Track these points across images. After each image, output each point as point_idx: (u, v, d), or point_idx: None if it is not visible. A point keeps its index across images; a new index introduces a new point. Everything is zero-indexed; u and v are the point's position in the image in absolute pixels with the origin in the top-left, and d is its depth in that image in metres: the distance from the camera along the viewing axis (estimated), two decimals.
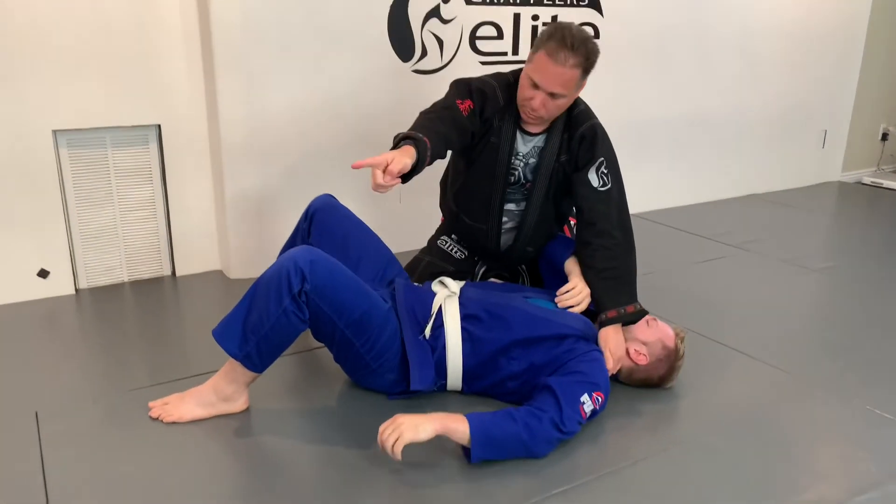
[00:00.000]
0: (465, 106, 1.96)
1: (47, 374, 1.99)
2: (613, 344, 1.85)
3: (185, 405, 1.73)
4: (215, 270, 2.80)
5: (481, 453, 1.56)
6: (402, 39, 2.82)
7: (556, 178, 2.08)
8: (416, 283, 2.04)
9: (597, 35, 3.31)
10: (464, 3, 2.92)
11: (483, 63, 3.04)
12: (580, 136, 2.03)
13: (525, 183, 2.11)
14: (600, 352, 1.82)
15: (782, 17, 3.97)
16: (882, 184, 4.55)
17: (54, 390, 1.89)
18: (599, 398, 1.70)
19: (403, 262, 2.24)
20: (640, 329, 1.90)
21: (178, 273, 2.75)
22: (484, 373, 1.79)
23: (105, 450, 1.64)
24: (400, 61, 2.84)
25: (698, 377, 2.02)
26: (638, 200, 3.71)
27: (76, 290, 2.57)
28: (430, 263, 2.28)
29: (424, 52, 2.89)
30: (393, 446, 1.50)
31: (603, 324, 1.88)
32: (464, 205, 2.22)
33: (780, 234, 3.44)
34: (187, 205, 2.69)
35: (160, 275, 2.73)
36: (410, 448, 1.53)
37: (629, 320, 1.89)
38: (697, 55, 3.71)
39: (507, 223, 2.18)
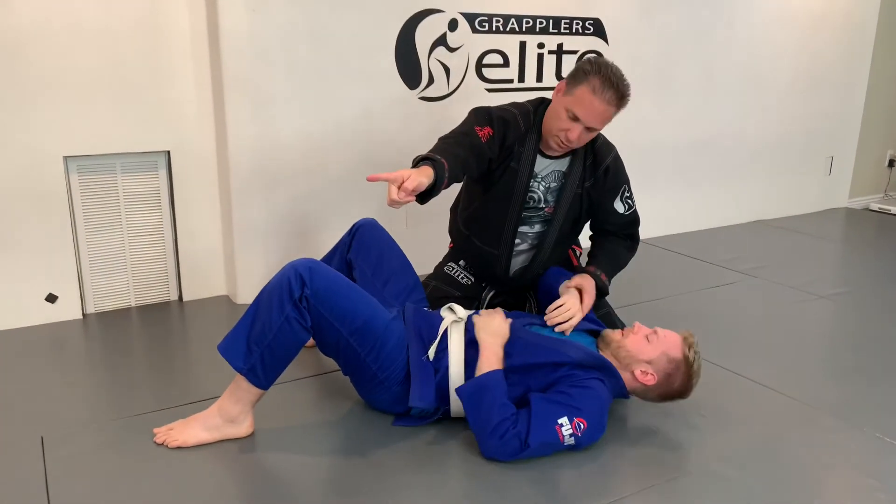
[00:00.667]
0: (483, 132, 2.01)
1: (54, 398, 1.99)
2: (578, 283, 2.02)
3: (190, 430, 1.73)
4: (222, 295, 2.81)
5: (468, 389, 1.72)
6: (409, 67, 2.86)
7: (577, 203, 2.15)
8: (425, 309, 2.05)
9: None
10: (470, 31, 2.96)
11: (489, 90, 3.07)
12: (606, 167, 2.13)
13: (545, 206, 2.14)
14: (599, 380, 1.77)
15: (788, 44, 4.00)
16: (890, 210, 4.54)
17: (60, 415, 1.89)
18: (581, 424, 1.66)
19: None
20: (640, 347, 1.83)
21: (185, 298, 2.75)
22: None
23: (110, 474, 1.63)
24: (407, 88, 2.88)
25: (706, 404, 2.00)
26: (645, 227, 3.69)
27: (84, 314, 2.58)
28: (436, 288, 2.29)
29: (431, 80, 2.92)
30: (474, 318, 1.83)
31: (583, 272, 2.08)
32: (476, 228, 2.23)
33: (788, 260, 3.43)
34: (195, 230, 2.71)
35: (167, 299, 2.74)
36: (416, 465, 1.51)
37: (598, 284, 2.05)
38: (703, 82, 3.74)
39: (521, 245, 2.19)
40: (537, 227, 2.17)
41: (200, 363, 2.21)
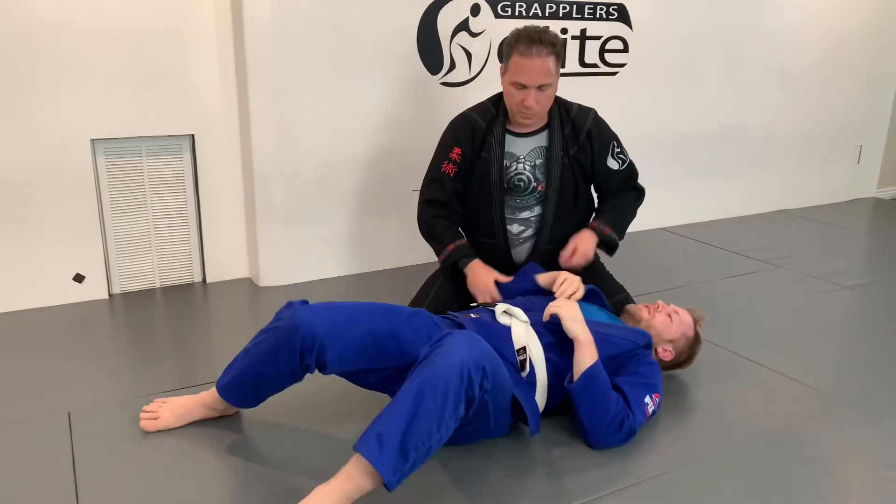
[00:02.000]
0: (449, 167, 2.15)
1: (80, 375, 2.04)
2: (585, 243, 2.13)
3: None
4: (244, 278, 2.85)
5: (579, 386, 1.67)
6: (430, 52, 2.86)
7: (569, 173, 2.17)
8: (458, 314, 1.86)
9: (626, 48, 3.31)
10: (493, 16, 2.94)
11: None
12: (587, 131, 2.17)
13: (536, 185, 2.16)
14: (654, 362, 1.85)
15: (815, 30, 3.92)
16: None
17: (87, 391, 1.94)
18: (657, 399, 1.78)
19: (422, 278, 2.26)
20: (666, 326, 1.94)
21: (208, 280, 2.80)
22: (559, 394, 1.77)
23: (134, 450, 1.67)
24: (428, 74, 2.88)
25: (726, 393, 2.00)
26: (668, 215, 3.70)
27: (110, 294, 2.64)
28: (445, 283, 2.23)
29: (453, 65, 2.92)
30: (551, 307, 1.78)
31: (588, 228, 2.17)
32: (473, 225, 2.25)
33: (813, 250, 3.39)
34: (218, 213, 2.75)
35: (191, 281, 2.79)
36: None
37: (604, 240, 2.16)
38: (728, 69, 3.69)
39: (524, 231, 2.20)
40: (536, 210, 2.19)
41: (223, 344, 2.25)
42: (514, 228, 2.19)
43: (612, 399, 1.68)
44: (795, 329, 2.49)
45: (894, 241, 3.69)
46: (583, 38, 3.19)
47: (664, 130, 3.57)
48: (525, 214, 2.18)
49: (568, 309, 1.77)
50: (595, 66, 3.27)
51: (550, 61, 1.99)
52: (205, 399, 1.74)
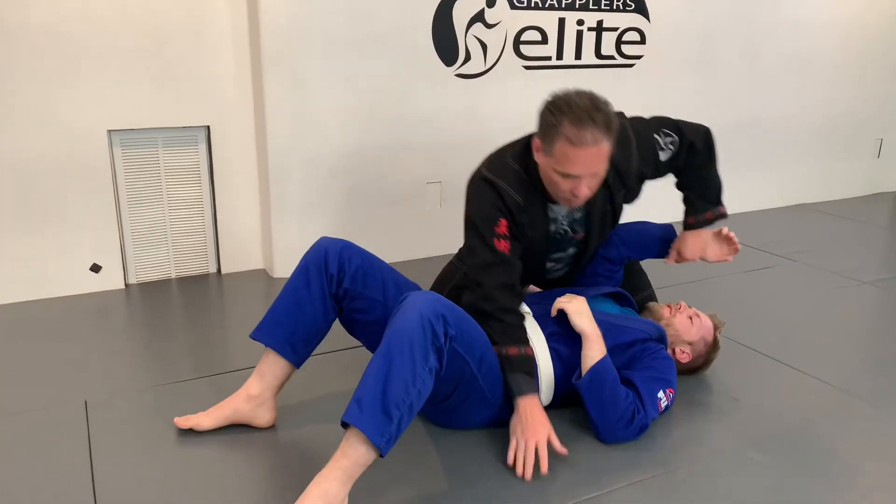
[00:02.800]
0: (503, 244, 1.73)
1: (97, 364, 2.06)
2: (688, 247, 2.00)
3: None
4: (259, 269, 2.86)
5: (587, 381, 1.65)
6: (446, 43, 2.84)
7: (610, 216, 1.91)
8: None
9: (643, 40, 3.28)
10: (508, 7, 2.93)
11: (527, 68, 3.04)
12: (638, 173, 1.88)
13: (574, 235, 1.91)
14: (668, 356, 1.83)
15: (835, 22, 3.86)
16: None
17: (103, 380, 1.96)
18: (671, 394, 1.76)
19: (437, 271, 2.24)
20: (686, 328, 1.92)
21: (223, 271, 2.81)
22: (569, 385, 1.76)
23: (151, 438, 1.69)
24: (443, 65, 2.86)
25: (742, 389, 1.98)
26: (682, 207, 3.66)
27: (126, 284, 2.66)
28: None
29: (468, 57, 2.90)
30: (558, 303, 1.74)
31: (687, 227, 2.01)
32: None
33: (831, 244, 3.35)
34: (233, 204, 2.76)
35: (206, 272, 2.80)
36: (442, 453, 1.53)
37: (706, 223, 2.02)
38: (746, 61, 3.64)
39: (557, 268, 2.01)
40: (571, 251, 1.96)
41: (237, 334, 2.26)
42: (547, 265, 1.98)
43: (621, 394, 1.67)
44: (813, 324, 2.46)
45: None
46: (599, 29, 3.16)
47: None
48: (559, 255, 1.97)
49: (575, 303, 1.75)
50: (612, 57, 3.24)
51: (606, 147, 1.62)
52: (239, 394, 1.72)
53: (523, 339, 1.70)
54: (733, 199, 3.83)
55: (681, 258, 2.03)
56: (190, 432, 1.70)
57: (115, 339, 2.25)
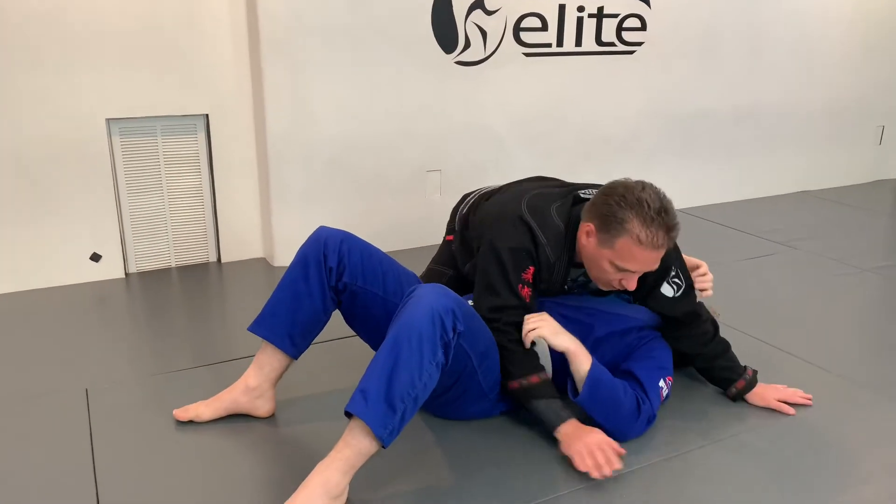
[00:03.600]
0: (526, 291, 1.69)
1: (98, 352, 2.06)
2: (769, 397, 1.82)
3: None
4: (259, 258, 2.86)
5: (587, 395, 1.60)
6: (445, 31, 2.83)
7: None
8: None
9: (644, 26, 3.26)
10: None
11: (527, 55, 3.02)
12: (651, 282, 1.76)
13: (583, 284, 1.84)
14: (666, 345, 1.81)
15: (837, 9, 3.83)
16: None
17: (104, 368, 1.96)
18: (670, 381, 1.74)
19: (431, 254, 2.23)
20: None
21: (223, 260, 2.81)
22: (566, 371, 1.73)
23: (150, 426, 1.69)
24: (443, 53, 2.85)
25: None
26: (686, 195, 3.66)
27: (126, 273, 2.66)
28: (453, 278, 2.06)
29: (468, 44, 2.89)
30: (529, 332, 1.61)
31: (738, 396, 1.84)
32: None
33: (832, 232, 3.34)
34: (233, 193, 2.76)
35: (206, 261, 2.80)
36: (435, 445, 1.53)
37: (754, 382, 1.84)
38: (748, 47, 3.62)
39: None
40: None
41: (238, 323, 2.26)
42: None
43: (620, 392, 1.64)
44: (813, 312, 2.46)
45: None
46: (600, 15, 3.14)
47: (682, 110, 3.52)
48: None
49: (546, 327, 1.64)
50: (612, 44, 3.22)
51: (669, 246, 1.62)
52: (237, 385, 1.72)
53: (540, 366, 1.67)
54: (734, 187, 3.84)
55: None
56: (190, 421, 1.70)
57: (115, 328, 2.25)
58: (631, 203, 1.56)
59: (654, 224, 1.55)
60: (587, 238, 1.64)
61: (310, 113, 2.67)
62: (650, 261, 1.60)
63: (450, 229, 2.08)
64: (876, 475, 1.58)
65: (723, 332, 1.95)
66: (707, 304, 1.97)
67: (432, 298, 1.41)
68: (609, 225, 1.58)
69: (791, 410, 1.79)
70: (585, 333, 1.74)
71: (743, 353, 2.05)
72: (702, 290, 1.87)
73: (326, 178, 2.77)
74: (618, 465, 1.53)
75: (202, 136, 2.67)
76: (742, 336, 2.21)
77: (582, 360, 1.62)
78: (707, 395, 1.89)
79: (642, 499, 1.49)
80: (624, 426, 1.64)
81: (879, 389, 1.94)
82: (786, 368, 2.05)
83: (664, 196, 1.60)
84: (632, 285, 1.64)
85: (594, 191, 1.75)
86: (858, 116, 4.16)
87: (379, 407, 1.33)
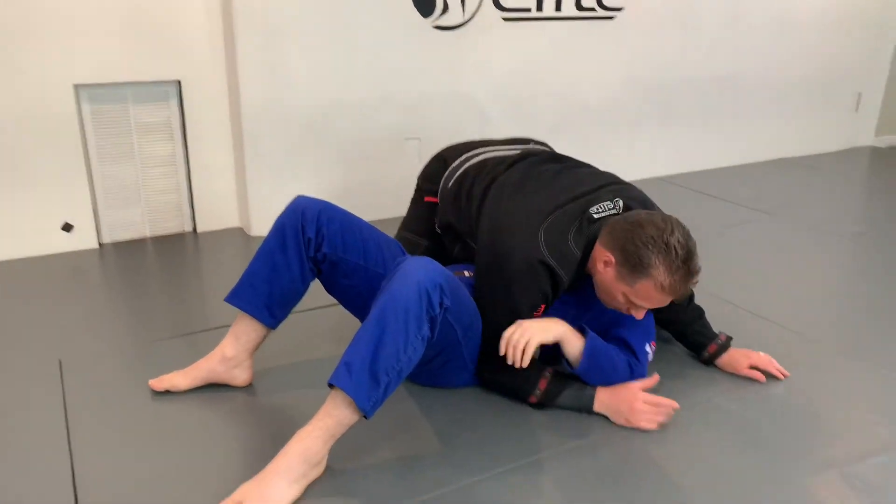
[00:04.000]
0: (538, 312, 1.67)
1: (71, 324, 2.03)
2: (739, 365, 1.84)
3: (271, 491, 1.33)
4: (236, 227, 2.83)
5: (586, 366, 1.62)
6: None
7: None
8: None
9: None
10: None
11: (506, 19, 2.98)
12: None
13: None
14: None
15: None
16: None
17: (78, 340, 1.94)
18: (654, 346, 1.76)
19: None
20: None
21: (199, 229, 2.78)
22: (549, 352, 1.74)
23: (126, 397, 1.68)
24: (421, 17, 2.80)
25: None
26: (664, 164, 3.67)
27: (100, 244, 2.62)
28: (428, 249, 2.04)
29: (446, 8, 2.84)
30: (525, 348, 1.55)
31: (710, 360, 1.87)
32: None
33: (809, 199, 3.37)
34: (208, 162, 2.71)
35: (181, 231, 2.77)
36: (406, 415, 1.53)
37: (726, 347, 1.86)
38: (728, 14, 3.60)
39: None
40: None
41: (215, 293, 2.24)
42: None
43: (614, 356, 1.66)
44: (788, 277, 2.49)
45: (889, 189, 3.67)
46: None
47: (661, 77, 3.50)
48: None
49: (534, 333, 1.58)
50: (592, 9, 3.19)
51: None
52: (213, 355, 1.71)
53: (540, 368, 1.67)
54: (711, 155, 3.85)
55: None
56: (166, 392, 1.69)
57: (89, 299, 2.22)
58: (659, 248, 1.51)
59: (678, 273, 1.51)
60: (605, 267, 1.60)
61: (285, 79, 2.62)
62: (664, 302, 1.58)
63: (427, 190, 2.02)
64: (843, 435, 1.62)
65: (699, 298, 1.97)
66: None
67: (420, 272, 1.40)
68: (632, 264, 1.53)
69: (761, 377, 1.82)
70: (573, 305, 1.75)
71: (719, 317, 2.08)
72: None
73: (303, 145, 2.73)
74: (665, 401, 1.61)
75: (175, 103, 2.61)
76: (719, 301, 2.24)
77: (574, 340, 1.62)
78: (680, 361, 1.91)
79: (618, 461, 1.51)
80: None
81: (850, 352, 1.97)
82: (760, 333, 2.07)
83: (690, 237, 1.55)
84: (640, 315, 1.64)
85: (606, 205, 1.68)
86: (836, 84, 4.18)
87: (363, 380, 1.34)
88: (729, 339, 1.88)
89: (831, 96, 4.20)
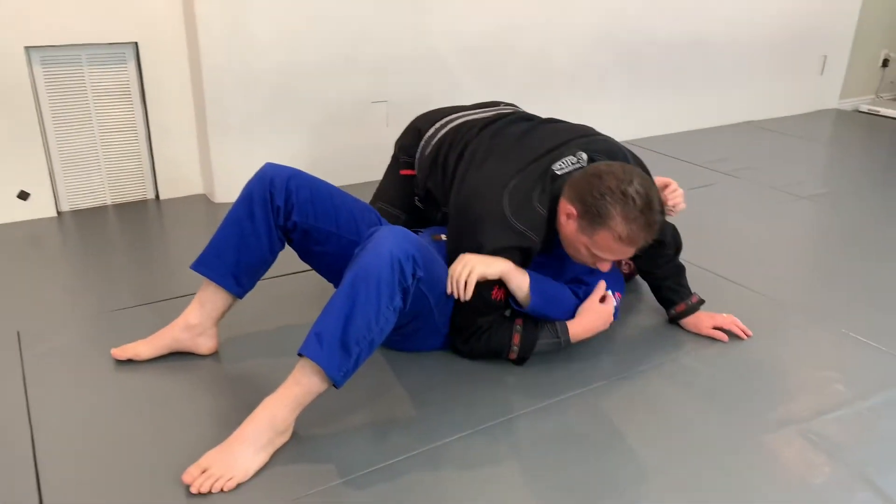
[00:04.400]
0: (501, 293, 1.67)
1: (29, 294, 1.99)
2: (703, 325, 1.87)
3: (237, 459, 1.33)
4: (200, 195, 2.77)
5: (537, 302, 1.64)
6: None
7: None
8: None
9: None
10: None
11: None
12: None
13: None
14: (617, 270, 1.85)
15: None
16: (879, 111, 4.48)
17: (37, 310, 1.90)
18: (619, 297, 1.79)
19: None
20: None
21: (161, 196, 2.72)
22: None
23: (88, 367, 1.65)
24: None
25: None
26: (632, 127, 3.67)
27: (58, 212, 2.55)
28: (407, 224, 2.02)
29: None
30: (466, 281, 1.55)
31: (676, 319, 1.90)
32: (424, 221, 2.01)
33: (774, 161, 3.41)
34: (169, 127, 2.64)
35: (144, 198, 2.70)
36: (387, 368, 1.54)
37: (694, 308, 1.89)
38: None
39: None
40: None
41: (179, 261, 2.20)
42: None
43: (559, 289, 1.71)
44: (751, 239, 2.52)
45: (853, 152, 3.73)
46: None
47: (626, 40, 3.48)
48: None
49: (476, 266, 1.58)
50: None
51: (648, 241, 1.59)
52: (177, 323, 1.68)
53: (511, 324, 1.69)
54: (679, 118, 3.86)
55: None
56: (129, 361, 1.66)
57: (48, 268, 2.17)
58: (617, 198, 1.51)
59: (636, 222, 1.52)
60: (567, 219, 1.61)
61: (247, 40, 2.55)
62: (626, 253, 1.60)
63: (403, 163, 2.00)
64: (803, 393, 1.66)
65: None
66: None
67: (392, 243, 1.39)
68: (592, 215, 1.54)
69: (723, 336, 1.85)
70: (548, 267, 1.76)
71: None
72: (674, 206, 1.87)
73: (267, 109, 2.67)
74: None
75: (132, 66, 2.53)
76: (684, 263, 2.26)
77: (518, 277, 1.63)
78: (647, 321, 1.94)
79: (588, 422, 1.53)
80: (570, 315, 1.72)
81: (808, 310, 2.02)
82: (724, 294, 2.11)
83: (651, 187, 1.55)
84: (605, 268, 1.66)
85: (569, 160, 1.69)
86: (802, 47, 4.20)
87: (334, 350, 1.33)
88: (700, 301, 1.91)
89: (797, 59, 4.23)
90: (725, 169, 3.25)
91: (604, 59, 3.44)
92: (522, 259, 1.66)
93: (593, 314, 1.72)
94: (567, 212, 1.60)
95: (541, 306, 1.67)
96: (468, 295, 1.57)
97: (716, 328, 1.87)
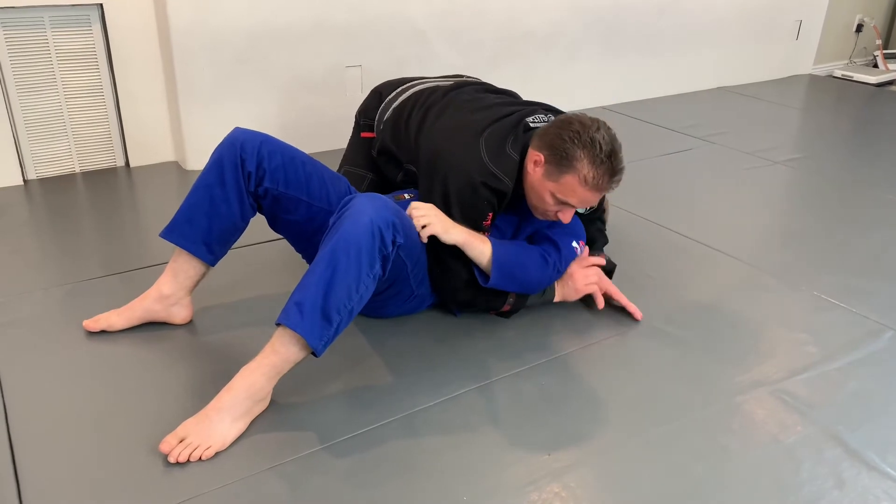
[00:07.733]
0: (487, 223, 1.69)
1: None
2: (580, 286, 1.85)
3: (214, 429, 1.33)
4: (171, 161, 2.72)
5: (497, 277, 1.63)
6: None
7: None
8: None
9: None
10: None
11: None
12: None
13: None
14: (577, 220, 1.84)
15: None
16: (852, 77, 4.51)
17: (4, 282, 1.85)
18: (583, 244, 1.81)
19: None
20: None
21: (131, 164, 2.66)
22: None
23: (59, 338, 1.63)
24: None
25: (656, 266, 2.05)
26: (606, 92, 3.65)
27: (24, 180, 2.48)
28: (374, 182, 2.04)
29: None
30: (422, 229, 1.55)
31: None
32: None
33: (748, 126, 3.42)
34: (137, 92, 2.57)
35: (113, 166, 2.64)
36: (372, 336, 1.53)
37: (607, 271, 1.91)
38: None
39: None
40: None
41: (150, 229, 2.16)
42: None
43: (523, 255, 1.68)
44: (725, 204, 2.54)
45: (826, 117, 3.75)
46: None
47: (600, 5, 3.45)
48: None
49: (436, 223, 1.57)
50: None
51: (611, 189, 1.64)
52: (150, 293, 1.65)
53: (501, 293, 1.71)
54: (653, 84, 3.85)
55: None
56: (101, 332, 1.64)
57: (15, 238, 2.11)
58: (584, 142, 1.55)
59: (602, 167, 1.55)
60: (534, 167, 1.63)
61: (216, 2, 2.47)
62: (591, 200, 1.62)
63: (364, 125, 2.00)
64: (775, 354, 1.69)
65: (636, 223, 2.00)
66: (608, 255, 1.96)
67: (371, 210, 1.38)
68: (558, 159, 1.57)
69: (600, 302, 1.82)
70: (511, 223, 1.78)
71: (657, 243, 2.12)
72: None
73: (238, 74, 2.61)
74: (593, 259, 1.81)
75: (98, 28, 2.45)
76: (657, 227, 2.28)
77: (478, 246, 1.61)
78: (624, 286, 1.95)
79: (563, 386, 1.54)
80: (534, 286, 1.72)
81: (781, 274, 2.05)
82: (697, 257, 2.13)
83: (616, 139, 1.60)
84: (567, 219, 1.67)
85: (542, 116, 1.74)
86: (777, 12, 4.19)
87: (315, 319, 1.32)
88: (613, 265, 1.92)
89: (772, 24, 4.22)
90: (700, 134, 3.26)
91: (576, 25, 3.41)
92: (497, 202, 1.66)
93: (569, 280, 1.78)
94: (535, 159, 1.62)
95: (501, 281, 1.64)
96: (424, 238, 1.57)
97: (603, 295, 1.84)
